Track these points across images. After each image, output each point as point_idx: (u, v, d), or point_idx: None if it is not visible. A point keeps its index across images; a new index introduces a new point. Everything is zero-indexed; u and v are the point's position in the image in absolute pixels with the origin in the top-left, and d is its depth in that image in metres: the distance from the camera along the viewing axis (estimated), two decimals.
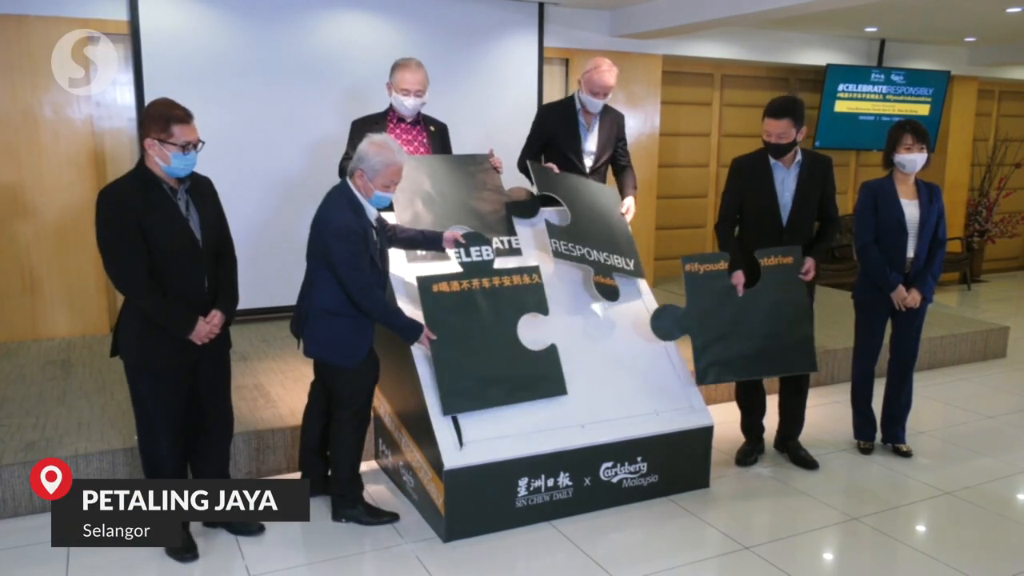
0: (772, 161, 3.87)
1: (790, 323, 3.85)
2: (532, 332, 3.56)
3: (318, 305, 3.24)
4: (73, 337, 5.61)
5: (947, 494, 3.83)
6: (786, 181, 3.86)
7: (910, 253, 4.04)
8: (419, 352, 3.40)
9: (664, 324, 3.75)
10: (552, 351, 3.55)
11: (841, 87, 8.63)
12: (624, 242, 4.12)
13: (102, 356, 5.09)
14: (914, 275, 4.05)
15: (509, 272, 3.63)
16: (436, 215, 3.75)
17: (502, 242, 3.84)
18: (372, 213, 3.27)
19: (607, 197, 4.24)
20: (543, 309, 3.62)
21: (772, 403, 4.24)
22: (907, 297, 4.04)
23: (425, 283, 3.45)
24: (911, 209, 4.01)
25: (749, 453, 4.09)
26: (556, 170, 4.12)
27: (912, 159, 3.97)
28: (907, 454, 4.23)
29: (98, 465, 3.56)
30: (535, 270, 3.68)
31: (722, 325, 3.76)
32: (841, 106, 8.71)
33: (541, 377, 3.49)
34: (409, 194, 3.74)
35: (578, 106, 4.25)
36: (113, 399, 4.23)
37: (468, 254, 3.60)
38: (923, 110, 8.96)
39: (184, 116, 2.90)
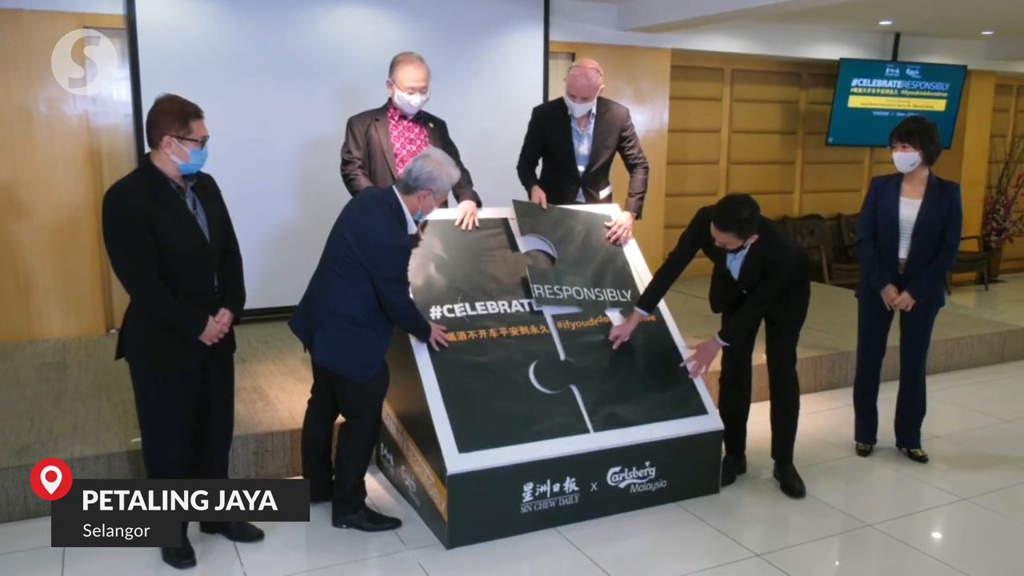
0: None
1: (668, 374, 3.81)
2: (547, 375, 3.60)
3: (340, 311, 3.23)
4: (69, 338, 5.62)
5: (964, 500, 3.82)
6: (733, 263, 3.71)
7: (902, 254, 4.03)
8: (424, 356, 3.44)
9: (548, 376, 3.62)
10: (568, 394, 3.57)
11: (855, 82, 8.62)
12: (618, 273, 4.12)
13: (98, 357, 5.10)
14: (909, 276, 4.03)
15: (517, 323, 3.70)
16: (450, 279, 3.76)
17: (522, 305, 3.83)
18: (412, 228, 3.33)
19: (597, 226, 4.23)
20: (555, 356, 3.67)
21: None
22: (895, 299, 4.03)
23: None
24: (908, 209, 3.99)
25: (726, 471, 3.90)
26: (544, 204, 4.11)
27: (897, 158, 3.96)
28: (922, 459, 4.21)
29: (94, 469, 3.56)
30: (543, 320, 3.75)
31: (605, 378, 3.68)
32: (855, 101, 8.69)
33: (560, 415, 3.50)
34: (421, 259, 3.74)
35: (569, 108, 4.21)
36: (109, 401, 4.23)
37: (473, 307, 3.71)
38: (939, 105, 8.94)
39: (198, 111, 2.94)
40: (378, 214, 3.23)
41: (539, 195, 4.18)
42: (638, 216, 4.33)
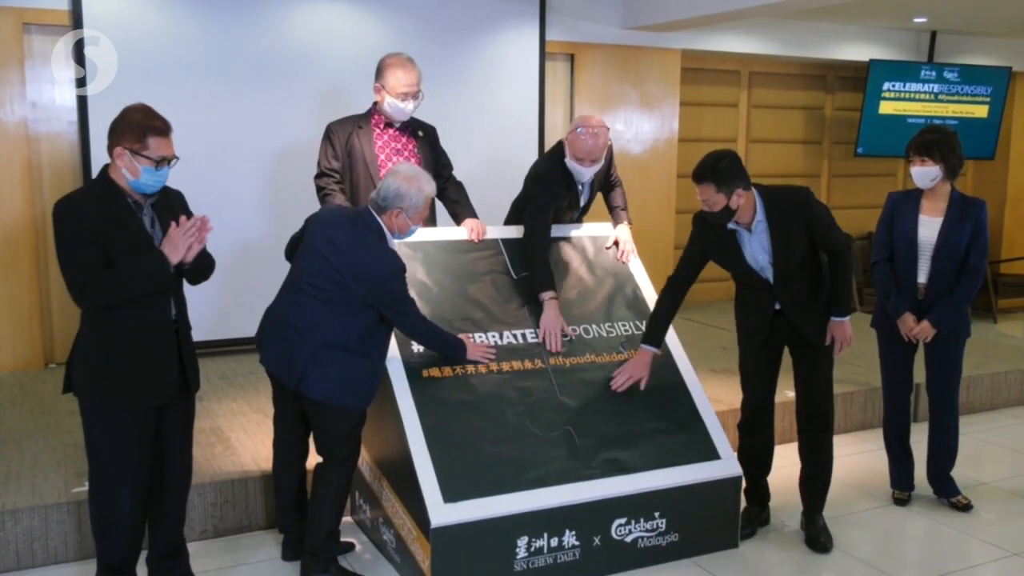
0: (731, 225, 3.63)
1: (674, 410, 3.84)
2: (543, 415, 3.62)
3: (334, 341, 3.26)
4: (2, 373, 5.60)
5: (1015, 555, 3.82)
6: (754, 245, 3.65)
7: (921, 278, 4.06)
8: (405, 393, 3.47)
9: (544, 416, 3.65)
10: (567, 436, 3.59)
11: (886, 85, 8.71)
12: (631, 301, 4.16)
13: (36, 395, 5.08)
14: (929, 304, 4.04)
15: (509, 356, 3.74)
16: (433, 306, 3.79)
17: (514, 336, 3.86)
18: (394, 246, 3.43)
19: (599, 250, 4.28)
20: (552, 394, 3.70)
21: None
22: (914, 328, 4.06)
23: (413, 368, 3.56)
24: (928, 228, 4.02)
25: (746, 524, 3.91)
26: (557, 343, 3.92)
27: (916, 173, 4.00)
28: (966, 507, 4.20)
29: (28, 523, 3.54)
30: (538, 354, 3.79)
31: (606, 419, 3.71)
32: (886, 107, 8.78)
33: (557, 459, 3.51)
34: None
35: (577, 175, 4.12)
36: (48, 445, 4.21)
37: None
38: (981, 111, 9.03)
39: (163, 128, 2.94)
40: (364, 241, 3.31)
41: (552, 316, 3.89)
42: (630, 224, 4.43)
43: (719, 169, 3.46)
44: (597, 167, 4.09)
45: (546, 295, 3.93)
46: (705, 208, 3.57)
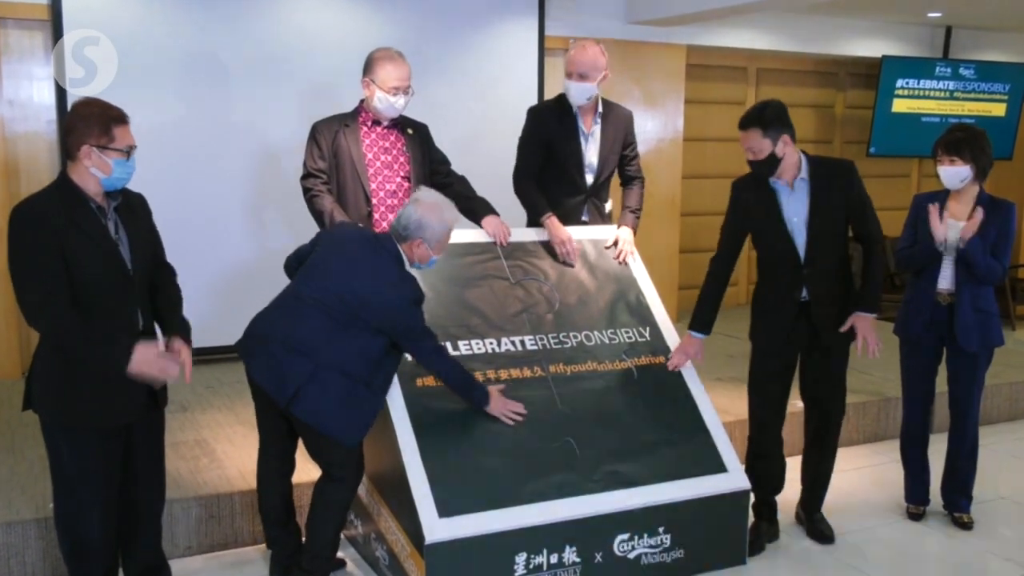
0: (773, 182, 3.73)
1: (679, 421, 3.85)
2: (543, 426, 3.62)
3: (336, 362, 3.25)
4: None
5: None
6: (793, 203, 3.73)
7: (944, 284, 4.05)
8: (398, 403, 3.44)
9: (544, 427, 3.66)
10: (568, 447, 3.59)
11: (900, 83, 8.73)
12: (633, 307, 4.18)
13: (11, 406, 5.07)
14: (950, 315, 4.02)
15: (507, 364, 3.75)
16: (429, 313, 3.72)
17: (512, 343, 3.86)
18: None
19: (600, 253, 4.29)
20: (552, 403, 3.70)
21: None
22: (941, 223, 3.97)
23: (407, 376, 3.54)
24: (953, 230, 4.00)
25: (754, 539, 3.92)
26: (569, 250, 4.15)
27: (945, 174, 4.00)
28: (967, 526, 4.18)
29: (5, 539, 3.53)
30: (538, 362, 3.79)
31: (608, 430, 3.71)
32: (900, 105, 8.80)
33: (557, 472, 3.50)
34: None
35: (574, 107, 4.24)
36: (25, 459, 4.21)
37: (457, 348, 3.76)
38: (998, 110, 9.05)
39: (123, 116, 2.93)
40: (383, 266, 3.33)
41: (558, 230, 4.13)
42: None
43: (765, 115, 3.61)
44: (588, 89, 4.17)
45: (544, 217, 4.17)
46: (750, 157, 3.66)
